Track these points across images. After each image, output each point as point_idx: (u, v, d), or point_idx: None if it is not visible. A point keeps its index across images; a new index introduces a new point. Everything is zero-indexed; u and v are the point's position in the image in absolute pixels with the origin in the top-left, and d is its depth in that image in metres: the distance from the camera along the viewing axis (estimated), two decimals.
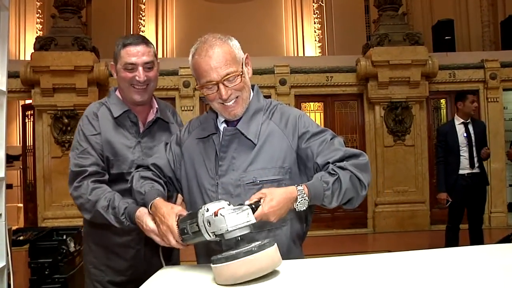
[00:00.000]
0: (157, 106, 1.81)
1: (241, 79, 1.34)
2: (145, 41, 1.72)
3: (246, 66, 1.39)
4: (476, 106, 4.50)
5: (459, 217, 4.29)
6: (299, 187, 1.24)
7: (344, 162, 1.31)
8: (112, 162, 1.72)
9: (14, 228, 3.76)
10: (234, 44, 1.37)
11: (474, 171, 4.25)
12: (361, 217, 6.73)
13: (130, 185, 1.54)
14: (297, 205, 1.22)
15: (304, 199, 1.22)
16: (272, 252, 1.09)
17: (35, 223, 6.20)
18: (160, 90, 6.38)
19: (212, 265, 1.10)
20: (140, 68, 1.68)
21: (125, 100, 1.76)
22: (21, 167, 7.25)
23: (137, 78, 1.67)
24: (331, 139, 1.39)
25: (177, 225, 1.27)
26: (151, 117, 1.80)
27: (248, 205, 1.16)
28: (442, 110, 7.10)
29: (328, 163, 1.31)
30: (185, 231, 1.22)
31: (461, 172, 4.24)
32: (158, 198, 1.38)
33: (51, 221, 5.68)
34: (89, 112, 1.77)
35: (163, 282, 1.23)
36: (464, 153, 4.24)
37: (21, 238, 3.40)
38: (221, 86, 1.31)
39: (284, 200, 1.20)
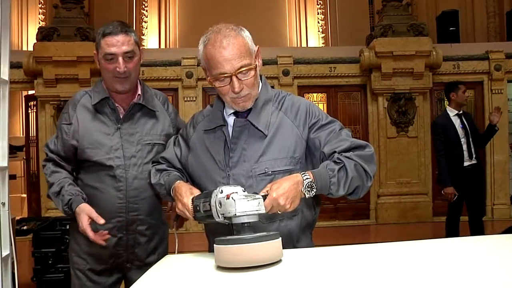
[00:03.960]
0: (139, 93, 1.79)
1: (254, 73, 1.33)
2: (124, 30, 1.69)
3: (257, 59, 1.38)
4: (468, 96, 4.44)
5: (459, 209, 4.27)
6: (303, 173, 1.24)
7: (350, 152, 1.31)
8: (90, 150, 1.73)
9: (17, 218, 3.78)
10: (247, 35, 1.35)
11: (472, 162, 4.22)
12: (364, 208, 6.75)
13: (148, 181, 1.61)
14: (305, 189, 1.21)
15: (311, 183, 1.22)
16: (275, 244, 1.10)
17: (39, 213, 6.24)
18: (162, 80, 6.37)
19: (214, 245, 1.12)
20: (120, 59, 1.66)
21: (109, 88, 1.76)
22: (24, 157, 7.28)
23: (117, 69, 1.67)
24: (339, 130, 1.39)
25: (192, 201, 1.29)
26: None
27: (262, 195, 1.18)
28: (445, 101, 7.04)
29: (334, 152, 1.31)
30: (198, 209, 1.25)
31: (463, 164, 4.21)
32: (178, 181, 1.42)
33: (54, 211, 5.71)
34: (70, 100, 1.83)
35: (168, 268, 1.24)
36: (463, 144, 4.21)
37: (25, 228, 3.43)
38: (234, 78, 1.30)
39: (290, 184, 1.20)
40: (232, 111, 1.42)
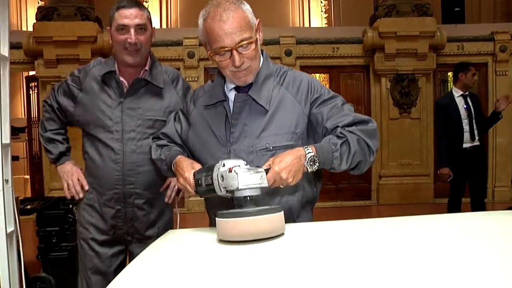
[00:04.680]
0: (146, 69, 1.80)
1: (255, 47, 1.32)
2: (139, 5, 1.74)
3: (258, 32, 1.36)
4: (476, 79, 4.40)
5: (461, 190, 4.27)
6: (306, 147, 1.24)
7: (353, 127, 1.30)
8: (92, 122, 1.80)
9: (21, 198, 3.80)
10: (247, 9, 1.33)
11: (475, 144, 4.20)
12: (365, 189, 6.77)
13: (149, 156, 1.62)
14: (307, 163, 1.21)
15: (313, 157, 1.21)
16: (277, 218, 1.10)
17: (42, 194, 6.28)
18: (164, 60, 6.31)
19: (216, 218, 1.12)
20: (132, 30, 1.70)
21: (119, 62, 1.79)
22: (26, 139, 7.29)
23: (128, 40, 1.70)
24: (341, 104, 1.38)
25: (193, 176, 1.29)
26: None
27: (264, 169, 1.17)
28: (449, 83, 7.00)
29: (337, 127, 1.31)
30: (200, 182, 1.25)
31: (464, 145, 4.20)
32: (179, 156, 1.42)
33: (57, 191, 5.75)
34: (84, 66, 1.88)
35: (169, 242, 1.25)
36: (465, 125, 4.18)
37: (29, 207, 3.45)
38: (234, 52, 1.28)
39: (292, 158, 1.19)
40: (233, 86, 1.41)
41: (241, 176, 1.09)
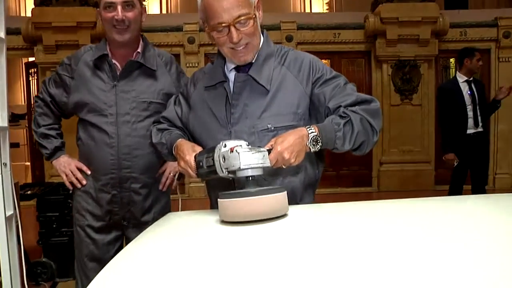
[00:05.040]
0: (139, 51, 1.79)
1: (253, 23, 1.29)
2: None
3: (257, 11, 1.33)
4: (481, 65, 4.36)
5: (463, 177, 4.25)
6: (308, 127, 1.22)
7: (356, 106, 1.28)
8: (86, 107, 1.78)
9: (21, 184, 3.80)
10: None
11: (478, 130, 4.18)
12: (366, 176, 6.77)
13: (150, 141, 1.62)
14: (310, 143, 1.19)
15: (316, 136, 1.19)
16: (280, 198, 1.08)
17: (43, 180, 6.28)
18: (164, 46, 6.26)
19: (218, 199, 1.10)
20: (119, 7, 1.69)
21: (110, 42, 1.78)
22: (26, 125, 7.27)
23: (115, 17, 1.69)
24: (344, 84, 1.35)
25: (194, 158, 1.27)
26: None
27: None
28: (451, 69, 6.96)
29: (340, 107, 1.29)
30: (201, 164, 1.23)
31: (467, 131, 4.18)
32: (179, 139, 1.41)
33: (58, 177, 5.73)
34: (74, 53, 1.86)
35: (170, 224, 1.24)
36: (469, 111, 4.15)
37: (29, 192, 3.46)
38: (232, 28, 1.26)
39: (295, 137, 1.17)
40: (233, 66, 1.38)
41: (242, 156, 1.08)
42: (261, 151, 1.10)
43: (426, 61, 6.59)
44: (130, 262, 0.88)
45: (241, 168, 1.08)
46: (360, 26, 6.62)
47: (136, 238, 1.05)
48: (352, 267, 0.73)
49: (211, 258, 0.85)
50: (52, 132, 1.93)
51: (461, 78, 4.21)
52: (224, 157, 1.12)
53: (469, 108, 4.14)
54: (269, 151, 1.14)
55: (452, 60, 6.93)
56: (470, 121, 4.14)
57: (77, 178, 1.85)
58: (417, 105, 6.56)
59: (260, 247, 0.91)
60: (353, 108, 1.27)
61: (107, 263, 0.85)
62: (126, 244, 1.85)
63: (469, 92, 4.16)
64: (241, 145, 1.11)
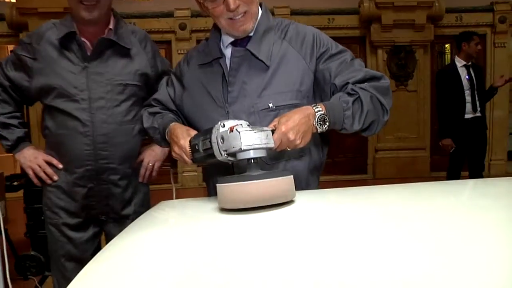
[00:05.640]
0: (111, 27, 1.59)
1: None
2: None
3: None
4: (480, 49, 4.27)
5: (460, 163, 4.19)
6: (314, 105, 1.11)
7: (365, 83, 1.18)
8: (54, 92, 1.57)
9: (7, 174, 3.68)
10: None
11: (476, 115, 4.11)
12: (361, 163, 6.71)
13: (140, 126, 1.49)
14: (317, 122, 1.08)
15: (323, 115, 1.09)
16: (286, 182, 0.97)
17: None
18: (155, 33, 6.12)
19: (217, 185, 0.99)
20: None
21: (76, 20, 1.57)
22: None
23: None
24: (351, 59, 1.25)
25: (189, 142, 1.16)
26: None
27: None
28: (446, 55, 6.89)
29: (347, 83, 1.18)
30: (197, 148, 1.11)
31: (465, 116, 4.11)
32: (173, 123, 1.30)
33: None
34: (35, 31, 1.63)
35: (165, 212, 1.13)
36: (467, 96, 4.08)
37: (16, 183, 3.34)
38: None
39: (300, 117, 1.06)
40: (230, 40, 1.27)
41: (244, 135, 0.96)
42: (264, 130, 0.99)
43: (422, 47, 6.51)
44: (118, 257, 0.77)
45: (242, 149, 0.96)
46: (354, 11, 6.51)
47: (125, 230, 0.93)
48: (369, 261, 0.63)
49: (210, 250, 0.74)
50: (13, 121, 1.68)
51: (459, 63, 4.13)
52: (222, 138, 1.00)
53: (467, 93, 4.08)
54: (272, 132, 1.03)
55: (447, 45, 6.86)
56: (468, 106, 4.08)
57: (46, 174, 1.64)
58: (412, 91, 6.48)
59: (265, 237, 0.80)
60: (362, 85, 1.17)
61: (86, 262, 0.74)
62: (106, 240, 1.73)
63: (467, 76, 4.09)
64: (241, 124, 1.00)
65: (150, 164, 1.74)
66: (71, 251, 1.67)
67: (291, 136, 1.03)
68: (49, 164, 1.64)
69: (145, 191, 1.77)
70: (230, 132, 0.98)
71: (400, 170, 6.41)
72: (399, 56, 6.39)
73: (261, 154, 0.98)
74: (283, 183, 0.95)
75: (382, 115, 1.19)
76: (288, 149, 1.07)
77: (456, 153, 4.13)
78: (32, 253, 2.93)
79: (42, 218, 2.97)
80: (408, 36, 6.37)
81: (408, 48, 6.40)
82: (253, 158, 0.97)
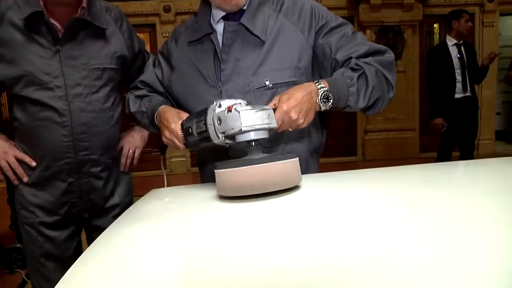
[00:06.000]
0: (84, 6, 1.43)
1: None
2: None
3: None
4: (471, 26, 4.22)
5: (451, 144, 4.18)
6: (316, 81, 1.03)
7: (369, 58, 1.10)
8: (23, 80, 1.40)
9: None
10: None
11: (467, 94, 4.08)
12: (351, 145, 6.68)
13: (127, 111, 1.37)
14: (320, 100, 1.01)
15: (326, 92, 1.01)
16: (293, 165, 0.90)
17: None
18: (138, 16, 5.94)
19: (216, 170, 0.91)
20: None
21: None
22: None
23: None
24: (352, 33, 1.17)
25: (181, 125, 1.08)
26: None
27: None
28: (435, 35, 6.83)
29: (350, 58, 1.10)
30: (190, 131, 1.02)
31: (455, 96, 4.08)
32: (162, 106, 1.21)
33: None
34: None
35: (154, 204, 1.05)
36: (458, 76, 4.04)
37: None
38: None
39: (302, 94, 0.98)
40: (221, 15, 1.18)
41: (244, 115, 0.87)
42: (265, 109, 0.90)
43: (410, 27, 6.44)
44: (107, 254, 0.70)
45: (242, 130, 0.87)
46: None
47: (113, 224, 0.84)
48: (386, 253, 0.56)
49: (212, 244, 0.67)
50: None
51: (450, 42, 4.08)
52: (219, 119, 0.91)
53: (458, 72, 4.04)
54: (273, 110, 0.95)
55: (436, 25, 6.80)
56: (459, 85, 4.05)
57: (16, 174, 1.48)
58: (401, 72, 6.42)
59: (272, 228, 0.73)
60: (366, 60, 1.09)
61: (69, 261, 0.66)
62: (88, 236, 1.64)
63: (458, 55, 4.04)
64: (240, 103, 0.92)
65: (131, 152, 1.64)
66: (51, 250, 1.54)
67: (294, 115, 0.95)
68: (20, 162, 1.49)
69: (127, 180, 1.67)
70: (228, 112, 0.89)
71: (389, 151, 6.40)
72: (388, 37, 6.31)
73: (262, 135, 0.90)
74: (289, 166, 0.88)
75: (387, 91, 1.12)
76: (290, 130, 0.99)
77: (447, 133, 4.11)
78: (18, 245, 2.84)
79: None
80: (396, 16, 6.29)
81: (396, 28, 6.33)
82: (254, 140, 0.89)
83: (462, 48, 4.05)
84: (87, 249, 0.72)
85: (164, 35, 6.15)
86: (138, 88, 1.37)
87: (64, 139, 1.43)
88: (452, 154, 4.22)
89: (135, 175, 1.77)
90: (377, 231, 0.65)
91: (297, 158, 0.91)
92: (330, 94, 1.01)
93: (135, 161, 1.67)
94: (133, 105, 1.33)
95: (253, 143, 0.90)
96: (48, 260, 1.54)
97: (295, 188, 0.91)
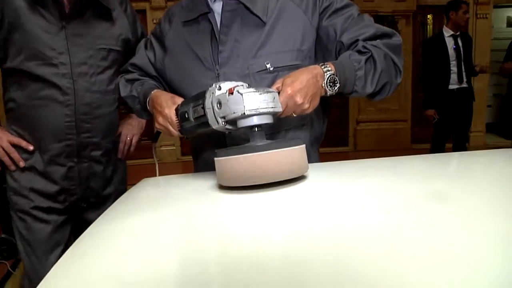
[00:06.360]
0: None
1: None
2: None
3: None
4: (468, 17, 4.18)
5: (445, 135, 4.15)
6: (322, 64, 0.97)
7: (377, 40, 1.04)
8: (26, 54, 1.32)
9: None
10: None
11: (463, 86, 4.06)
12: (342, 135, 6.65)
13: (118, 96, 1.31)
14: (326, 84, 0.95)
15: (333, 76, 0.95)
16: (299, 152, 0.83)
17: None
18: None
19: (216, 158, 0.84)
20: None
21: None
22: None
23: None
24: (358, 14, 1.10)
25: (176, 110, 1.00)
26: None
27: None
28: (428, 26, 6.79)
29: (357, 41, 1.04)
30: (186, 116, 0.94)
31: (450, 87, 4.05)
32: (155, 90, 1.14)
33: None
34: None
35: (147, 193, 0.98)
36: (453, 67, 4.01)
37: None
38: None
39: (308, 77, 0.92)
40: None
41: (247, 97, 0.80)
42: (270, 92, 0.83)
43: (404, 17, 6.39)
44: (97, 248, 0.63)
45: (245, 113, 0.80)
46: None
47: (103, 215, 0.77)
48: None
49: (212, 239, 0.61)
50: None
51: (447, 33, 4.03)
52: (219, 103, 0.84)
53: (453, 63, 4.00)
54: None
55: (430, 16, 6.75)
56: (454, 77, 4.01)
57: (12, 159, 1.40)
58: None
59: (280, 223, 0.67)
60: (374, 42, 1.03)
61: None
62: (79, 229, 1.53)
63: (454, 46, 4.00)
64: (242, 85, 0.85)
65: (129, 139, 1.59)
66: (54, 236, 1.45)
67: (299, 99, 0.89)
68: (16, 147, 1.41)
69: (123, 168, 1.61)
70: (229, 95, 0.82)
71: (381, 142, 6.38)
72: None
73: (267, 120, 0.83)
74: (297, 154, 0.81)
75: (395, 76, 1.06)
76: (294, 115, 0.93)
77: (440, 124, 4.09)
78: (3, 236, 2.75)
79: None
80: (390, 6, 6.24)
81: (390, 18, 6.26)
82: (257, 126, 0.83)
83: (459, 40, 4.01)
84: (74, 243, 0.65)
85: (154, 21, 6.02)
86: (129, 72, 1.30)
87: (67, 119, 1.36)
88: (445, 145, 4.20)
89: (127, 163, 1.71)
90: (386, 225, 0.59)
91: (304, 145, 0.85)
92: (337, 78, 0.95)
93: (132, 149, 1.62)
94: (124, 90, 1.26)
95: (256, 128, 0.83)
96: (52, 250, 1.46)
97: (301, 178, 0.85)
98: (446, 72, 3.99)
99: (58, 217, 1.46)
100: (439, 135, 4.16)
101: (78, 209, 1.49)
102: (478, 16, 6.58)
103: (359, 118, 6.52)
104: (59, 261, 0.55)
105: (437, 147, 4.18)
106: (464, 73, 4.02)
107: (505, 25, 7.63)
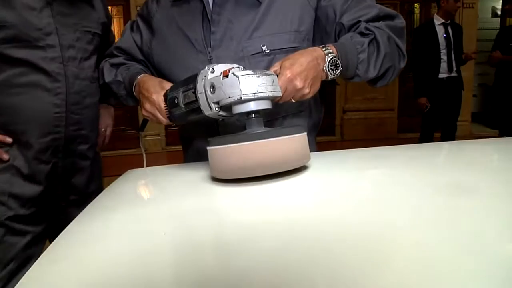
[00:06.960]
0: None
1: None
2: None
3: None
4: (459, 6, 4.16)
5: (434, 124, 4.16)
6: (323, 46, 0.90)
7: (380, 22, 0.98)
8: (7, 32, 1.13)
9: None
10: None
11: (452, 75, 4.05)
12: (329, 125, 6.61)
13: (102, 82, 1.19)
14: (328, 67, 0.88)
15: (334, 58, 0.88)
16: (301, 140, 0.75)
17: None
18: None
19: (209, 148, 0.75)
20: None
21: None
22: None
23: None
24: None
25: (165, 95, 0.92)
26: None
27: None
28: (415, 15, 6.77)
29: (359, 22, 0.97)
30: (176, 102, 0.86)
31: (440, 76, 4.03)
32: (142, 75, 1.06)
33: None
34: None
35: (133, 185, 0.91)
36: (443, 55, 4.00)
37: None
38: None
39: (308, 60, 0.85)
40: None
41: (244, 80, 0.72)
42: (268, 75, 0.76)
43: (391, 6, 6.33)
44: (79, 249, 0.56)
45: (242, 98, 0.72)
46: None
47: (85, 210, 0.69)
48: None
49: (207, 236, 0.54)
50: None
51: (437, 21, 4.01)
52: (213, 86, 0.76)
53: (443, 52, 3.99)
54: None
55: (417, 5, 6.72)
56: (444, 65, 4.01)
57: None
58: None
59: (281, 216, 0.60)
60: (377, 24, 0.96)
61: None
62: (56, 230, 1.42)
63: (444, 35, 3.98)
64: (238, 67, 0.77)
65: (103, 130, 1.49)
66: (27, 251, 1.25)
67: (299, 83, 0.82)
68: None
69: (100, 161, 1.49)
70: (224, 78, 0.74)
71: (368, 131, 6.37)
72: None
73: (265, 105, 0.76)
74: (299, 142, 0.74)
75: (399, 60, 1.00)
76: (292, 101, 0.86)
77: (429, 113, 4.09)
78: None
79: None
80: None
81: None
82: (255, 112, 0.75)
83: (449, 28, 3.99)
84: (52, 243, 0.57)
85: (138, 8, 5.86)
86: (113, 56, 1.21)
87: (56, 109, 1.20)
88: (434, 135, 4.20)
89: (106, 154, 1.62)
90: (391, 220, 0.53)
91: (306, 133, 0.78)
92: (339, 61, 0.88)
93: (107, 140, 1.52)
94: (108, 75, 1.17)
95: (253, 115, 0.76)
96: (22, 264, 1.25)
97: (303, 168, 0.78)
98: (436, 61, 3.98)
99: (36, 227, 1.27)
100: (428, 125, 4.16)
101: (57, 210, 1.33)
102: (465, 5, 6.57)
103: (346, 107, 6.49)
104: (31, 268, 0.48)
105: (426, 137, 4.19)
106: (454, 62, 4.00)
107: (490, 15, 7.66)
